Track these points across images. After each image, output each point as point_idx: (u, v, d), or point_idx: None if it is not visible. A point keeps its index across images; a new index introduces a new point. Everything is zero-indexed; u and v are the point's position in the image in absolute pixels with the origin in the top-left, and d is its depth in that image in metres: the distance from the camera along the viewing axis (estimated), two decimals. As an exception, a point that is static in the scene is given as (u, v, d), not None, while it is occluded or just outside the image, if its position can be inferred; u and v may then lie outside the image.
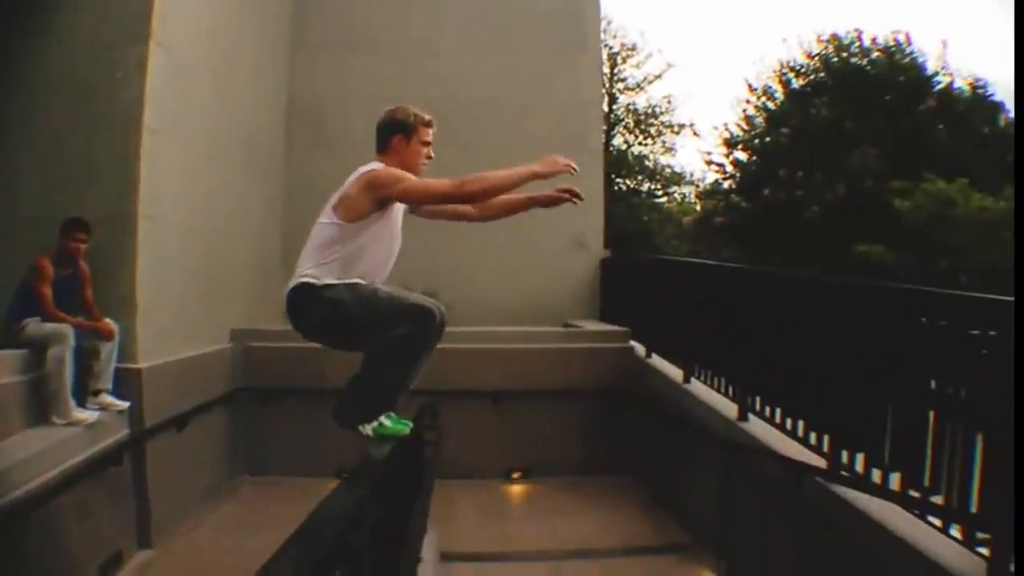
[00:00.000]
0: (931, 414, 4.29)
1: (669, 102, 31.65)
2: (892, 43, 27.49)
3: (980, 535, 3.94)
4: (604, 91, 31.03)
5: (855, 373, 5.04)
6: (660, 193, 32.91)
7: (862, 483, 4.84)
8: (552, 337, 10.82)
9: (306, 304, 4.20)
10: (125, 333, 7.38)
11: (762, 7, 70.01)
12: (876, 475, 4.74)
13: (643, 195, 31.94)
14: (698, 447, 7.60)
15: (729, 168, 29.28)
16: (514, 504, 9.61)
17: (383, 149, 4.42)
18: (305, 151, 12.55)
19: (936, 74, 26.72)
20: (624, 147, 31.86)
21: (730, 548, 6.90)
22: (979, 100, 26.48)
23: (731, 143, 29.19)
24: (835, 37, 27.97)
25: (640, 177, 31.89)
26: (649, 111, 31.81)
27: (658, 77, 31.36)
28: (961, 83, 26.76)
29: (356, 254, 4.23)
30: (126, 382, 7.41)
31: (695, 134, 32.11)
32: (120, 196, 7.68)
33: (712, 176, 31.01)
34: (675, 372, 8.47)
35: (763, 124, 28.25)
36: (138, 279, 7.71)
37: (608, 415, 10.18)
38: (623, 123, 32.07)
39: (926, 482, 4.32)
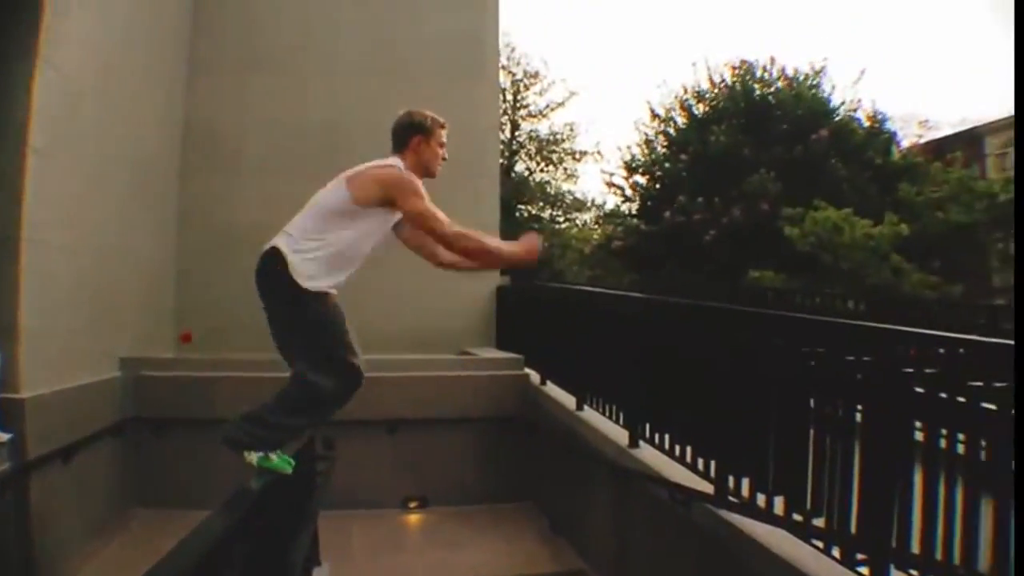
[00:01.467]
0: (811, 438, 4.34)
1: (571, 129, 31.98)
2: (800, 74, 28.29)
3: (859, 555, 3.99)
4: (507, 118, 31.29)
5: (737, 398, 5.08)
6: (562, 219, 33.18)
7: (747, 508, 4.87)
8: (448, 365, 10.75)
9: (278, 281, 4.18)
10: (8, 361, 7.08)
11: (674, 33, 71.67)
12: (761, 499, 4.77)
13: (545, 221, 32.13)
14: (592, 474, 7.59)
15: (629, 192, 29.68)
16: (411, 534, 9.47)
17: (401, 148, 4.59)
18: (200, 173, 12.28)
19: (837, 107, 27.58)
20: (527, 173, 32.04)
21: (624, 574, 6.89)
22: (876, 132, 27.44)
23: (631, 167, 29.60)
24: (746, 64, 28.65)
25: (542, 203, 32.11)
26: (551, 138, 32.06)
27: (561, 105, 31.67)
28: (862, 115, 27.68)
29: (347, 238, 4.29)
30: (8, 413, 7.06)
31: (599, 155, 32.46)
32: (3, 219, 7.35)
33: (613, 200, 31.44)
34: (568, 399, 8.46)
35: (664, 149, 28.77)
36: (22, 305, 7.36)
37: (504, 442, 10.13)
38: (525, 150, 32.25)
39: (808, 505, 4.36)
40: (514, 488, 9.98)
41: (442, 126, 4.65)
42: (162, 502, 9.41)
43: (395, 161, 4.46)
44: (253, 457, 4.21)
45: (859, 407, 3.94)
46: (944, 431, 3.42)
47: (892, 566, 3.79)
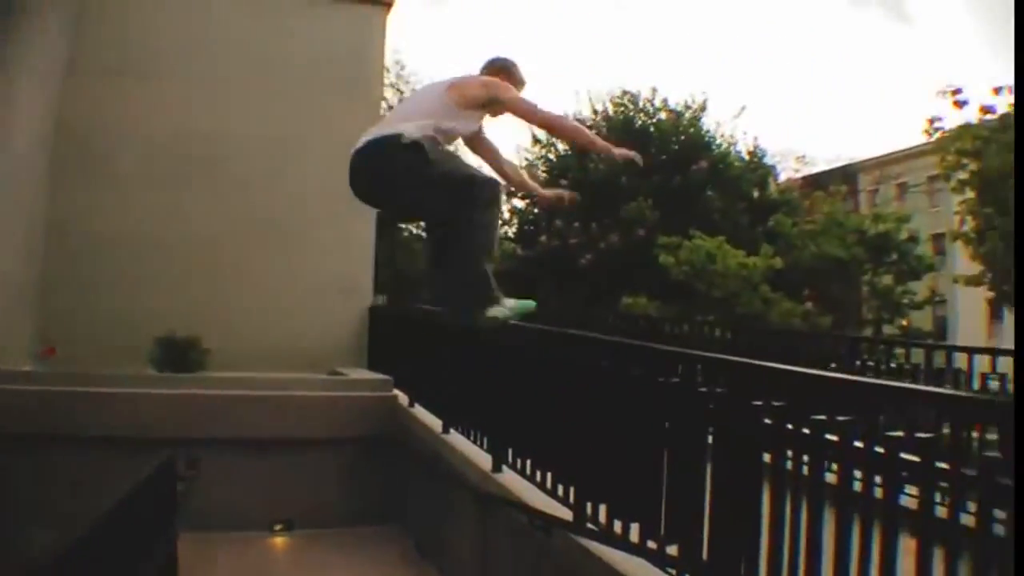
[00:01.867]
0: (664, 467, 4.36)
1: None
2: (681, 106, 28.94)
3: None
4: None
5: (595, 425, 5.08)
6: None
7: (605, 535, 4.85)
8: (317, 385, 10.59)
9: (394, 153, 4.55)
10: None
11: (564, 60, 72.53)
12: (618, 526, 4.76)
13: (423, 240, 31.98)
14: (457, 497, 7.52)
15: (507, 215, 29.81)
16: (277, 558, 9.23)
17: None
18: (73, 179, 11.79)
19: (717, 140, 28.30)
20: (411, 192, 31.85)
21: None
22: (754, 166, 28.29)
23: (509, 191, 29.73)
24: (628, 94, 29.12)
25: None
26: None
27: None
28: (741, 148, 28.49)
29: (448, 137, 4.89)
30: None
31: None
32: None
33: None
34: (435, 422, 8.38)
35: (544, 174, 29.00)
36: None
37: (372, 464, 9.99)
38: (412, 168, 32.05)
39: (662, 532, 4.36)
40: (382, 510, 9.84)
41: (522, 81, 5.20)
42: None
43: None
44: (500, 311, 4.83)
45: (709, 437, 3.98)
46: (789, 458, 3.50)
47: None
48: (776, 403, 3.52)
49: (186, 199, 12.08)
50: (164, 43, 12.60)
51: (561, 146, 29.09)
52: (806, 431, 3.37)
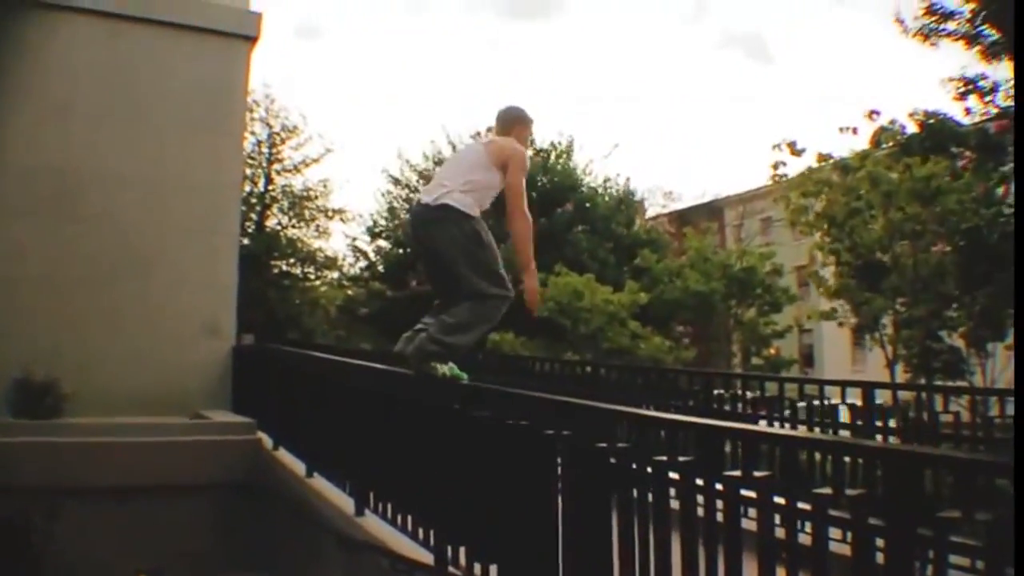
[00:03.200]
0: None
1: (325, 186, 31.64)
2: (549, 145, 29.30)
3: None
4: (262, 171, 30.63)
5: (450, 467, 5.10)
6: (314, 277, 32.77)
7: (464, 577, 4.83)
8: (179, 429, 10.27)
9: (460, 219, 5.49)
10: None
11: (435, 94, 72.84)
12: (478, 569, 4.74)
13: (295, 279, 31.63)
14: (322, 543, 7.37)
15: (372, 256, 29.73)
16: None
17: (508, 132, 5.98)
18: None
19: (585, 180, 28.76)
20: (279, 229, 31.48)
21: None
22: (622, 204, 28.85)
23: (374, 232, 29.69)
24: (491, 132, 29.39)
25: (293, 260, 31.56)
26: (305, 194, 31.66)
27: (316, 161, 31.27)
28: (611, 187, 29.02)
29: (485, 193, 5.70)
30: None
31: (343, 220, 32.15)
32: None
33: (362, 262, 31.37)
34: (299, 465, 8.21)
35: (406, 215, 29.07)
36: None
37: (238, 510, 9.74)
38: (279, 204, 31.69)
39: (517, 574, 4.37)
40: (249, 557, 9.57)
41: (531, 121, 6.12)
42: None
43: (513, 141, 5.86)
44: (444, 369, 5.64)
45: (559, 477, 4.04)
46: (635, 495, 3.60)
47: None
48: (620, 444, 3.61)
49: (37, 235, 11.59)
50: (12, 75, 12.06)
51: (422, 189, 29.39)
52: (649, 470, 3.50)
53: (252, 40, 13.45)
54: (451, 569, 5.03)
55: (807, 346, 38.18)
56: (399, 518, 5.86)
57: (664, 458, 3.38)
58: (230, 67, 13.31)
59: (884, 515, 2.79)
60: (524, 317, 20.46)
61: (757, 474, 3.11)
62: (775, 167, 22.69)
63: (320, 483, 7.57)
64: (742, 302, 24.36)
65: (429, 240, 5.63)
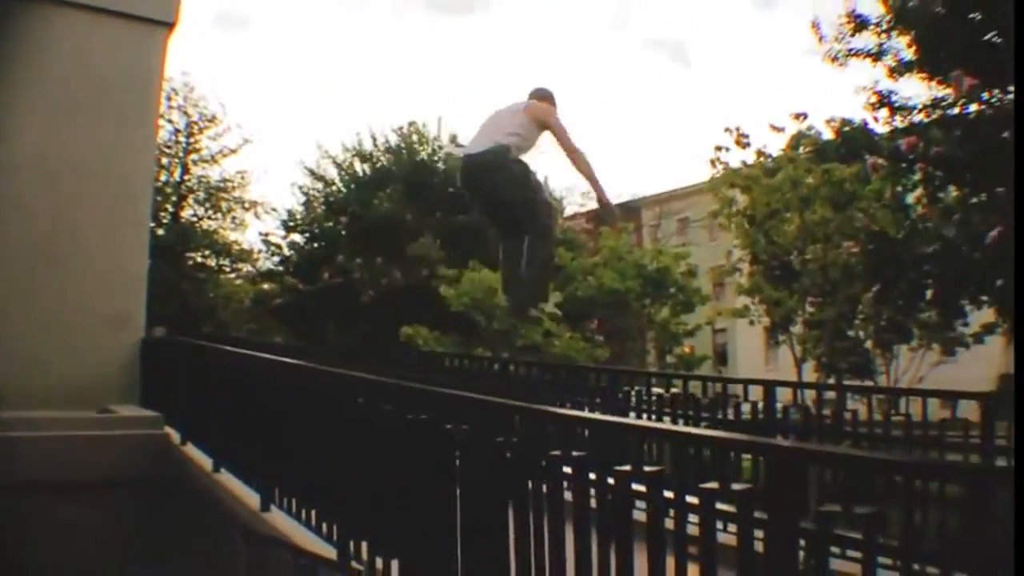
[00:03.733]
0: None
1: (243, 177, 31.16)
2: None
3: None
4: (178, 160, 30.11)
5: (351, 461, 5.15)
6: (229, 269, 32.28)
7: (368, 572, 4.84)
8: (84, 424, 10.00)
9: (507, 163, 6.15)
10: None
11: (360, 86, 72.36)
12: (380, 563, 4.77)
13: (211, 271, 31.14)
14: (229, 538, 7.32)
15: (287, 251, 29.48)
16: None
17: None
18: None
19: None
20: (195, 219, 30.96)
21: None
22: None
23: (288, 226, 29.42)
24: (414, 125, 29.27)
25: (208, 251, 31.05)
26: (222, 185, 31.15)
27: (234, 151, 30.75)
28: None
29: (523, 146, 6.33)
30: None
31: (257, 216, 31.61)
32: None
33: (275, 257, 31.07)
34: (206, 460, 8.14)
35: (322, 209, 28.88)
36: None
37: (144, 505, 9.53)
38: (195, 195, 31.16)
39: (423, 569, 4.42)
40: (155, 551, 9.39)
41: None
42: None
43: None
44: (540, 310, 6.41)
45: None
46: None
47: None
48: (515, 439, 3.68)
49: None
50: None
51: (340, 181, 29.12)
52: (543, 463, 3.60)
53: (169, 26, 13.16)
54: (354, 564, 5.05)
55: (721, 345, 38.85)
56: (304, 513, 5.88)
57: (558, 453, 3.45)
58: (145, 53, 13.01)
59: (768, 509, 2.89)
60: (438, 312, 20.49)
61: (648, 469, 3.21)
62: (718, 150, 22.99)
63: (227, 478, 7.52)
64: (656, 301, 24.66)
65: (487, 183, 6.29)
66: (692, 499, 3.13)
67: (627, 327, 25.23)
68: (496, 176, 6.15)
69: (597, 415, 4.11)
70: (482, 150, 6.23)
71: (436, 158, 29.11)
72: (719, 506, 3.10)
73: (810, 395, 8.70)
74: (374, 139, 29.92)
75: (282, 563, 6.00)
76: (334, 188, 30.10)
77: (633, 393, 8.74)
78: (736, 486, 3.26)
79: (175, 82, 28.62)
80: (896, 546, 2.84)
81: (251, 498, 6.74)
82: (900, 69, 15.48)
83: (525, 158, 6.35)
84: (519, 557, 3.70)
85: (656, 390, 9.06)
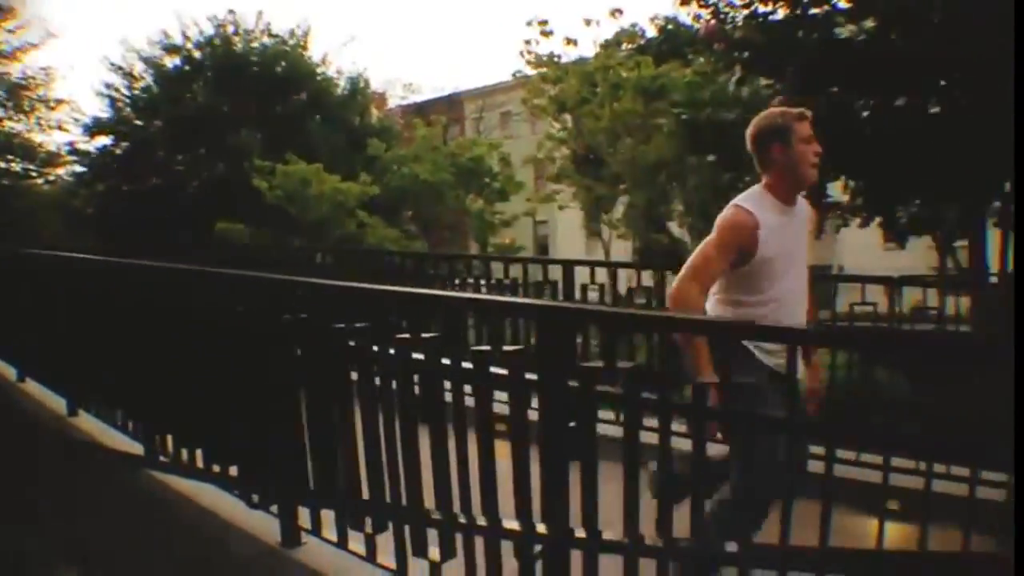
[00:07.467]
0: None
1: (48, 74, 29.38)
2: (286, 33, 28.52)
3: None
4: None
5: (159, 356, 5.12)
6: (36, 175, 30.62)
7: (174, 465, 4.96)
8: None
9: None
10: None
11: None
12: (185, 455, 4.87)
13: (17, 177, 29.44)
14: (37, 447, 7.22)
15: (94, 153, 28.31)
16: None
17: (766, 166, 3.82)
18: None
19: (320, 69, 28.30)
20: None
21: (79, 547, 6.65)
22: (358, 94, 28.68)
23: (92, 130, 28.19)
24: (232, 15, 28.31)
25: (12, 157, 29.27)
26: (23, 83, 29.29)
27: (35, 47, 28.91)
28: (346, 78, 28.71)
29: None
30: None
31: (61, 128, 29.75)
32: None
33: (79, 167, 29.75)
34: (10, 370, 7.90)
35: (128, 110, 27.77)
36: None
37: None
38: (-7, 95, 29.23)
39: (223, 457, 4.57)
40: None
41: (800, 117, 3.77)
42: None
43: (750, 193, 3.86)
44: None
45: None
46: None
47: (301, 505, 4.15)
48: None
49: None
50: None
51: (149, 75, 28.06)
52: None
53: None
54: (161, 459, 5.13)
55: (544, 237, 39.62)
56: (113, 414, 5.86)
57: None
58: None
59: (538, 369, 3.08)
60: (253, 207, 20.32)
61: (425, 335, 3.39)
62: (527, 43, 23.41)
63: (31, 386, 7.33)
64: (471, 191, 24.93)
65: None
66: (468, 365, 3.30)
67: (442, 217, 25.49)
68: None
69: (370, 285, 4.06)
70: None
71: (252, 51, 28.27)
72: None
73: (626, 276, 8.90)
74: (184, 32, 28.73)
75: (94, 464, 6.03)
76: (143, 85, 28.83)
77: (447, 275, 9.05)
78: (507, 347, 3.49)
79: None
80: (656, 400, 3.04)
81: (58, 403, 6.65)
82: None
83: None
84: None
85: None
